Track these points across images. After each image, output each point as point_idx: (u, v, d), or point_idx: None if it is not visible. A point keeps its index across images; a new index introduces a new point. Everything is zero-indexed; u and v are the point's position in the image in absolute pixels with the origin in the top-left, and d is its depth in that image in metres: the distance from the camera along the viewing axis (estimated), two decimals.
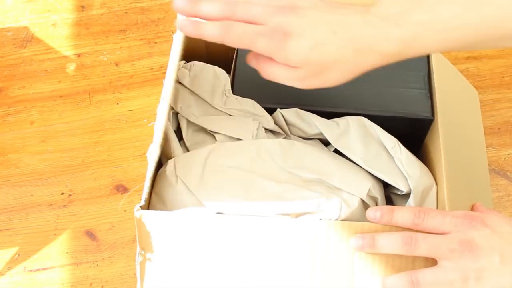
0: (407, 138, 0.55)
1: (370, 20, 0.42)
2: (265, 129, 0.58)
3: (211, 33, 0.42)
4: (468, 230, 0.41)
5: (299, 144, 0.55)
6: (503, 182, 0.70)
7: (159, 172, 0.54)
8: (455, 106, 0.62)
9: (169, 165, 0.54)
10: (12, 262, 0.61)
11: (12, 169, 0.67)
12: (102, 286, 0.59)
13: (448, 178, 0.51)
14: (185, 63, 0.63)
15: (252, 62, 0.45)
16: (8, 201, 0.65)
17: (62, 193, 0.66)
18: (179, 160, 0.54)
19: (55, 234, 0.63)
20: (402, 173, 0.53)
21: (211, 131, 0.57)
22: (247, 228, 0.48)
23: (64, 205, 0.65)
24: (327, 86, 0.45)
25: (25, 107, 0.73)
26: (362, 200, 0.51)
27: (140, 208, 0.48)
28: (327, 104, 0.56)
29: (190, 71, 0.61)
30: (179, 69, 0.61)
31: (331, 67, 0.43)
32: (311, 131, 0.57)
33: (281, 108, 0.56)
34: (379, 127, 0.55)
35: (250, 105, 0.58)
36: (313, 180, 0.52)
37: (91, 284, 0.59)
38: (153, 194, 0.53)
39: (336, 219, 0.49)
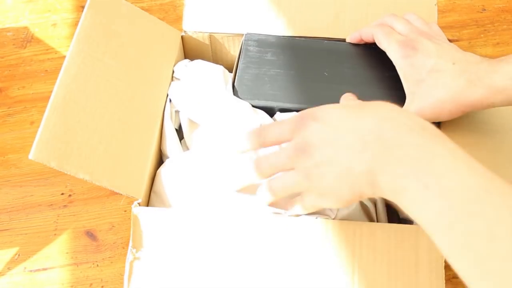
0: None
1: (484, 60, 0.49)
2: None
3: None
4: (301, 131, 0.42)
5: None
6: None
7: (158, 171, 0.54)
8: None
9: (168, 164, 0.54)
10: (12, 262, 0.61)
11: (12, 169, 0.67)
12: (102, 286, 0.59)
13: None
14: (189, 61, 0.63)
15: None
16: (8, 201, 0.65)
17: (62, 193, 0.66)
18: (178, 159, 0.54)
19: (55, 234, 0.63)
20: None
21: (212, 131, 0.57)
22: (242, 226, 0.48)
23: (64, 205, 0.65)
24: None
25: (25, 107, 0.73)
26: (360, 201, 0.51)
27: (138, 204, 0.48)
28: (317, 101, 0.56)
29: (193, 69, 0.61)
30: (181, 67, 0.62)
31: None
32: None
33: (281, 108, 0.56)
34: None
35: (250, 107, 0.57)
36: None
37: (91, 284, 0.59)
38: (152, 193, 0.53)
39: (333, 219, 0.48)
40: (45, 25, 0.81)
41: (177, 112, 0.59)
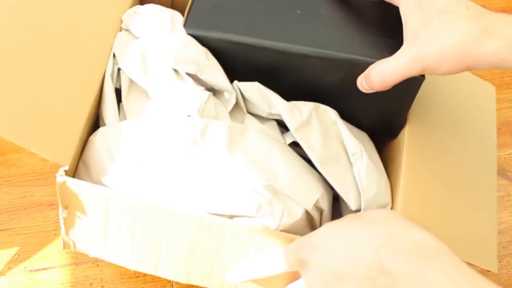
0: (387, 103, 0.50)
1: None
2: (215, 96, 0.50)
3: None
4: (302, 271, 0.43)
5: (251, 133, 0.48)
6: (503, 182, 0.70)
7: (89, 139, 0.49)
8: (449, 102, 0.57)
9: (99, 133, 0.48)
10: (12, 262, 0.61)
11: (13, 169, 0.67)
12: (102, 286, 0.59)
13: (406, 195, 0.48)
14: (139, 7, 0.55)
15: None
16: (8, 201, 0.65)
17: None
18: (111, 129, 0.48)
19: (55, 234, 0.63)
20: (357, 186, 0.48)
21: (152, 98, 0.50)
22: (175, 222, 0.45)
23: None
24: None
25: None
26: (307, 211, 0.46)
27: (64, 172, 0.44)
28: (289, 39, 0.48)
29: (142, 16, 0.53)
30: (130, 15, 0.54)
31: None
32: (270, 111, 0.50)
33: (243, 44, 0.49)
34: (345, 126, 0.50)
35: (204, 52, 0.49)
36: (259, 177, 0.46)
37: (91, 284, 0.59)
38: (80, 162, 0.48)
39: (275, 229, 0.45)
40: None
41: (120, 69, 0.52)
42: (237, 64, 0.51)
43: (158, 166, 0.46)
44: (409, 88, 0.49)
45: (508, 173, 0.70)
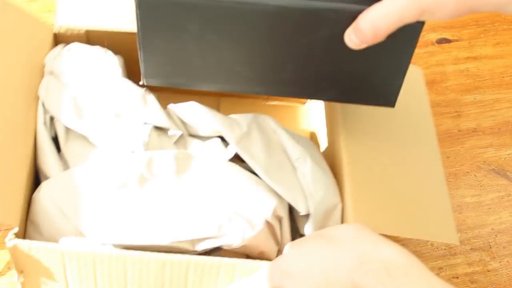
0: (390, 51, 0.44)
1: None
2: (157, 127, 0.49)
3: None
4: None
5: (196, 157, 0.47)
6: (503, 182, 0.69)
7: (32, 197, 0.46)
8: None
9: (42, 189, 0.45)
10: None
11: None
12: None
13: (355, 194, 0.47)
14: (63, 47, 0.52)
15: None
16: None
17: None
18: (55, 182, 0.45)
19: None
20: (304, 191, 0.47)
21: (94, 141, 0.48)
22: (137, 267, 0.42)
23: None
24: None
25: None
26: (267, 221, 0.45)
27: (14, 235, 0.41)
28: None
29: (67, 57, 0.50)
30: (55, 57, 0.51)
31: None
32: (210, 129, 0.49)
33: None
34: (286, 133, 0.49)
35: (141, 94, 0.48)
36: (213, 198, 0.45)
37: None
38: (28, 223, 0.46)
39: (239, 243, 0.44)
40: None
41: (52, 118, 0.49)
42: (212, 36, 0.43)
43: (112, 209, 0.44)
44: (406, 38, 0.43)
45: (508, 173, 0.70)
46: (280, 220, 0.47)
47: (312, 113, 0.66)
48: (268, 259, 0.46)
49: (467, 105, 0.76)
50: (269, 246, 0.46)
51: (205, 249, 0.44)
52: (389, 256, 0.37)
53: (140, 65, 0.45)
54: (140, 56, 0.44)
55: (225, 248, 0.45)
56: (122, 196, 0.44)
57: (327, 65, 0.45)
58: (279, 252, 0.48)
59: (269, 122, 0.50)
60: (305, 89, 0.47)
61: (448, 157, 0.70)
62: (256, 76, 0.46)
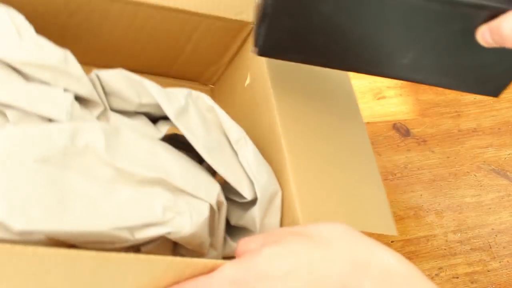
0: None
1: None
2: (78, 97, 0.41)
3: None
4: None
5: (127, 133, 0.39)
6: (503, 182, 0.69)
7: None
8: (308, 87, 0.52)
9: None
10: None
11: None
12: None
13: (297, 179, 0.44)
14: None
15: None
16: None
17: None
18: None
19: None
20: (247, 175, 0.43)
21: (2, 104, 0.38)
22: (61, 270, 0.31)
23: None
24: None
25: None
26: (211, 207, 0.40)
27: None
28: None
29: None
30: None
31: None
32: (139, 101, 0.42)
33: None
34: (225, 113, 0.44)
35: (62, 55, 0.40)
36: (151, 178, 0.38)
37: None
38: None
39: (189, 229, 0.38)
40: None
41: None
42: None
43: (29, 188, 0.34)
44: None
45: (508, 173, 0.70)
46: (220, 206, 0.42)
47: None
48: (202, 253, 0.41)
49: (467, 105, 0.76)
50: (206, 237, 0.41)
51: (145, 238, 0.37)
52: (388, 263, 0.35)
53: (256, 37, 0.44)
54: (260, 30, 0.44)
55: (170, 237, 0.38)
56: (41, 172, 0.35)
57: (447, 56, 0.45)
58: (211, 245, 0.43)
59: (204, 99, 0.44)
60: (418, 75, 0.48)
61: (448, 157, 0.70)
62: (373, 59, 0.46)
